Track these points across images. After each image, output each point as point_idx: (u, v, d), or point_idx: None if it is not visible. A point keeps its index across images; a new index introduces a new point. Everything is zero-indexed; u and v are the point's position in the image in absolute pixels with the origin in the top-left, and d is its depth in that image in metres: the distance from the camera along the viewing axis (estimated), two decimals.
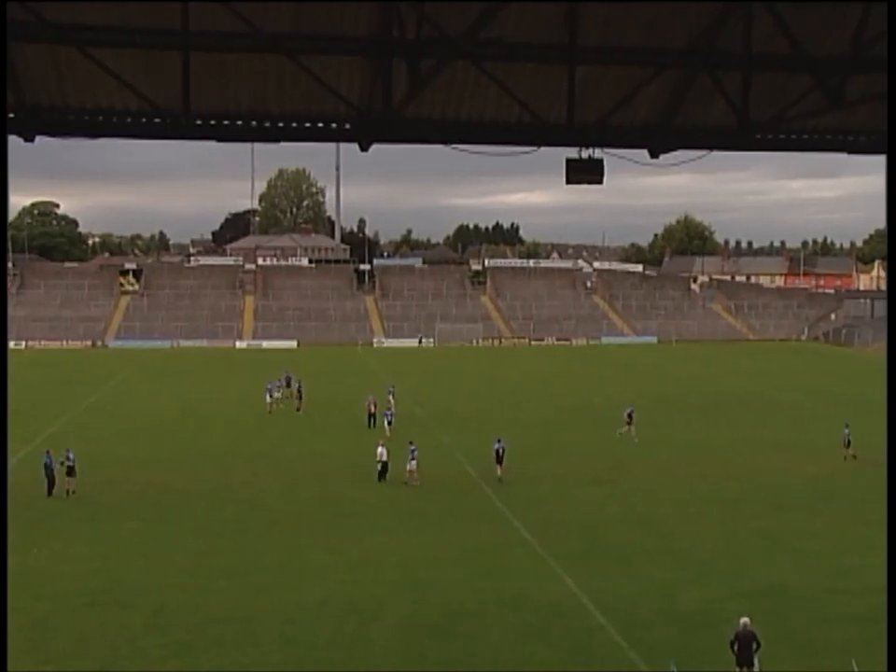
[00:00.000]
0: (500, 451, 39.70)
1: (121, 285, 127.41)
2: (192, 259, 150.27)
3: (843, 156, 17.01)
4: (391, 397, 56.41)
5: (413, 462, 39.02)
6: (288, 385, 61.73)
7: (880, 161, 15.15)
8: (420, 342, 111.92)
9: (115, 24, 13.06)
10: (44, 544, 30.93)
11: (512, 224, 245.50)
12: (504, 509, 35.45)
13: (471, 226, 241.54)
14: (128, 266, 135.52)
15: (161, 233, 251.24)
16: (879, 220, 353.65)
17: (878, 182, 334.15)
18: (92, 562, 29.29)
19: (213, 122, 14.53)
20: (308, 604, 25.77)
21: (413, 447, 39.54)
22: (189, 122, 13.92)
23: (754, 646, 20.55)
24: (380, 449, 39.94)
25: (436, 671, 21.77)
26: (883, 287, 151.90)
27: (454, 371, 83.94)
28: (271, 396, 59.58)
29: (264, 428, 53.35)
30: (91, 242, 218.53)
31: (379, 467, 39.64)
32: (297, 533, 32.38)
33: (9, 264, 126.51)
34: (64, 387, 71.46)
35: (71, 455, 37.30)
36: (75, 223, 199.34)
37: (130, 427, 53.32)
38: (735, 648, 20.63)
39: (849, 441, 43.43)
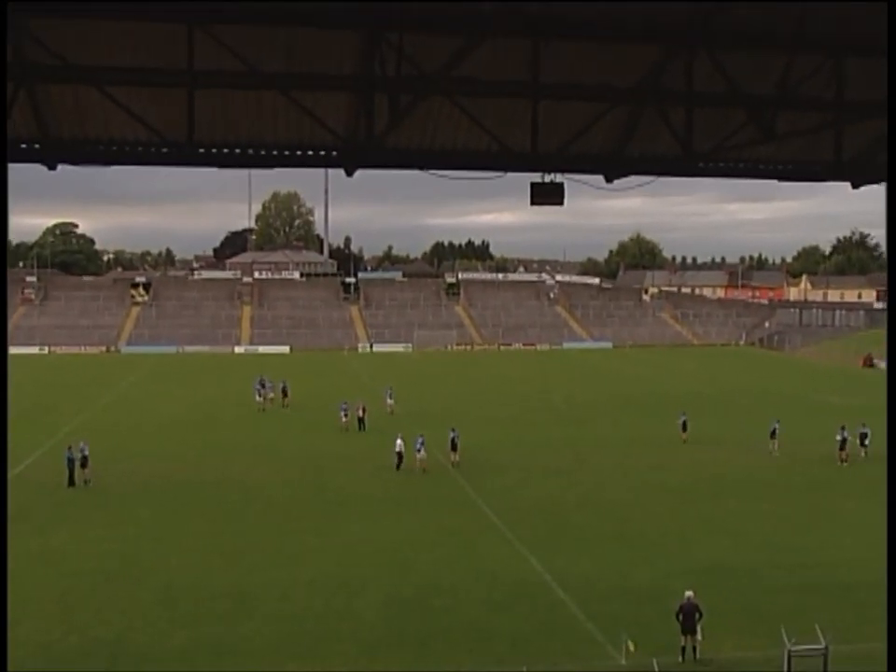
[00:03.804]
0: (454, 439, 40.27)
1: (132, 296, 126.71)
2: (196, 272, 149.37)
3: (774, 182, 17.13)
4: (389, 398, 56.34)
5: (423, 451, 39.18)
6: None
7: (807, 187, 15.34)
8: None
9: (128, 65, 13.06)
10: (65, 527, 30.85)
11: (483, 241, 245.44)
12: (476, 497, 35.45)
13: (446, 243, 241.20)
14: (138, 279, 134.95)
15: (168, 250, 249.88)
16: (806, 239, 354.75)
17: (805, 206, 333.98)
18: (108, 543, 29.16)
19: (214, 151, 14.49)
20: (300, 582, 25.70)
21: (420, 438, 39.73)
22: (193, 151, 13.89)
23: (697, 616, 20.67)
24: (398, 441, 39.89)
25: (415, 641, 21.79)
26: (810, 298, 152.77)
27: (430, 374, 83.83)
28: (259, 395, 59.42)
29: (261, 425, 53.18)
30: (105, 258, 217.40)
31: (396, 457, 39.55)
32: (291, 518, 32.30)
33: (34, 278, 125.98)
34: (83, 388, 70.99)
35: (85, 448, 37.10)
36: (92, 241, 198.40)
37: (140, 424, 53.03)
38: (681, 618, 20.74)
39: (775, 434, 43.71)
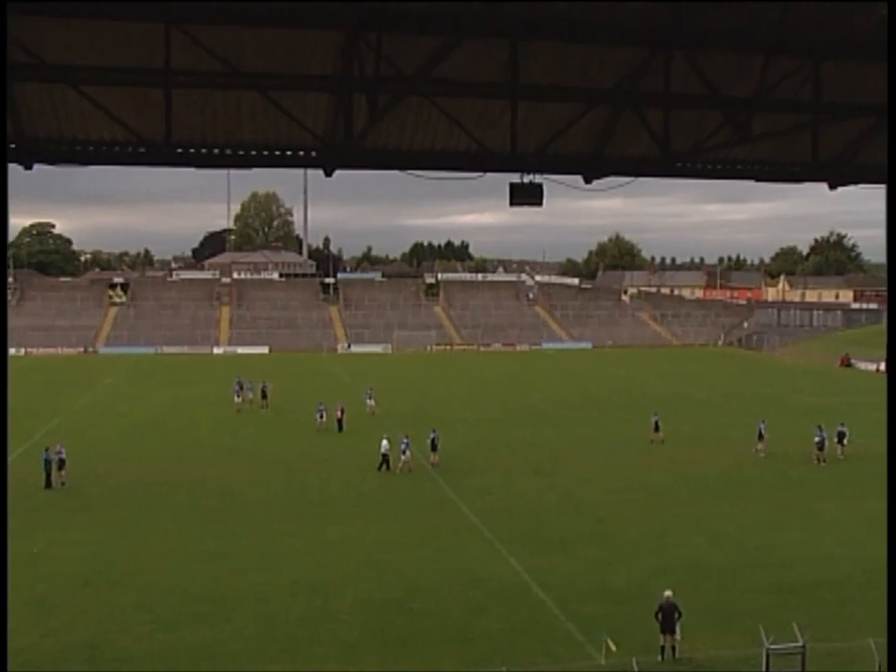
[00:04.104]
0: (435, 440, 40.33)
1: (110, 297, 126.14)
2: (174, 273, 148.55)
3: (751, 183, 17.23)
4: (369, 399, 56.28)
5: (408, 453, 39.26)
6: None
7: (783, 188, 15.48)
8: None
9: (104, 64, 13.00)
10: (42, 530, 30.61)
11: (463, 242, 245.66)
12: (455, 497, 35.45)
13: (426, 243, 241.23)
14: (116, 280, 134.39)
15: (147, 251, 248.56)
16: (783, 240, 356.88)
17: (781, 207, 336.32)
18: (86, 546, 28.99)
19: (192, 151, 14.45)
20: (279, 584, 25.62)
21: (405, 439, 39.80)
22: (171, 151, 13.84)
23: (676, 615, 20.74)
24: (384, 442, 39.85)
25: (395, 643, 21.77)
26: (787, 298, 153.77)
27: (410, 374, 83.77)
28: (238, 395, 59.24)
29: (240, 426, 52.99)
30: (83, 258, 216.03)
31: (381, 459, 39.51)
32: (270, 520, 32.19)
33: (10, 279, 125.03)
34: (60, 389, 70.54)
35: (62, 450, 36.91)
36: (69, 242, 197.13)
37: (119, 425, 52.76)
38: (660, 617, 20.80)
39: (762, 435, 43.64)
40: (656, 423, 47.29)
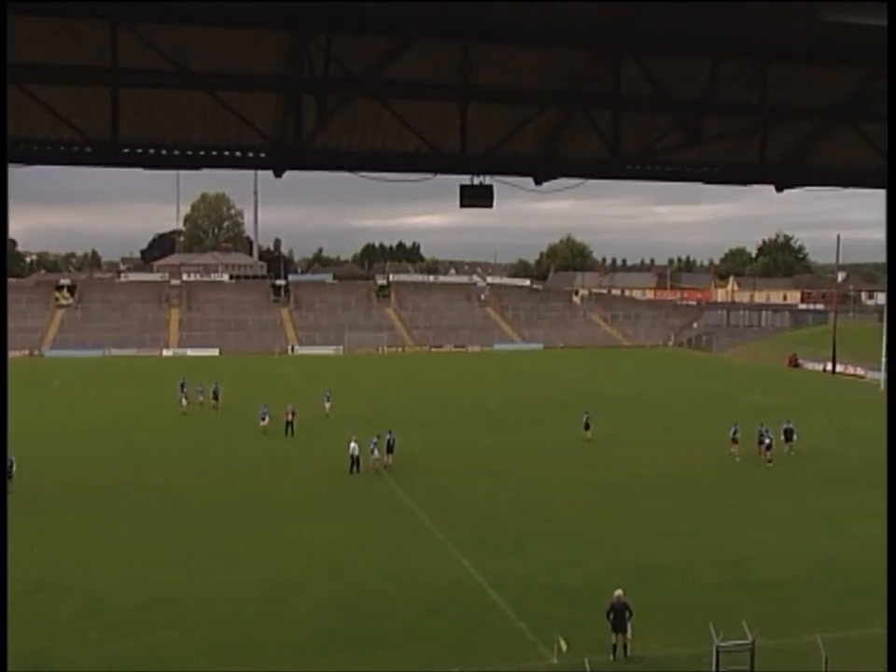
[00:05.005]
0: (391, 441, 40.40)
1: (57, 299, 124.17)
2: (122, 275, 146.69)
3: (701, 185, 17.43)
4: (327, 401, 56.07)
5: (377, 452, 39.46)
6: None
7: (732, 191, 15.68)
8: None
9: (49, 62, 12.81)
10: None
11: (414, 243, 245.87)
12: (407, 499, 35.45)
13: (377, 245, 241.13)
14: (63, 282, 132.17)
15: (94, 252, 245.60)
16: (732, 241, 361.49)
17: (730, 209, 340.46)
18: (31, 553, 28.50)
19: (139, 151, 14.30)
20: (230, 587, 25.46)
21: (374, 439, 39.96)
22: (118, 151, 13.68)
23: (627, 614, 20.91)
24: (352, 444, 39.70)
25: (347, 646, 21.72)
26: (737, 299, 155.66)
27: (362, 376, 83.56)
28: (187, 399, 58.82)
29: (190, 429, 52.55)
30: (28, 260, 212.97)
31: (350, 460, 39.37)
32: (221, 524, 31.95)
33: None
34: None
35: (12, 458, 36.25)
36: (13, 242, 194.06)
37: (66, 429, 52.09)
38: (611, 617, 20.97)
39: (735, 439, 42.72)
40: (587, 422, 47.66)
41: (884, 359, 72.58)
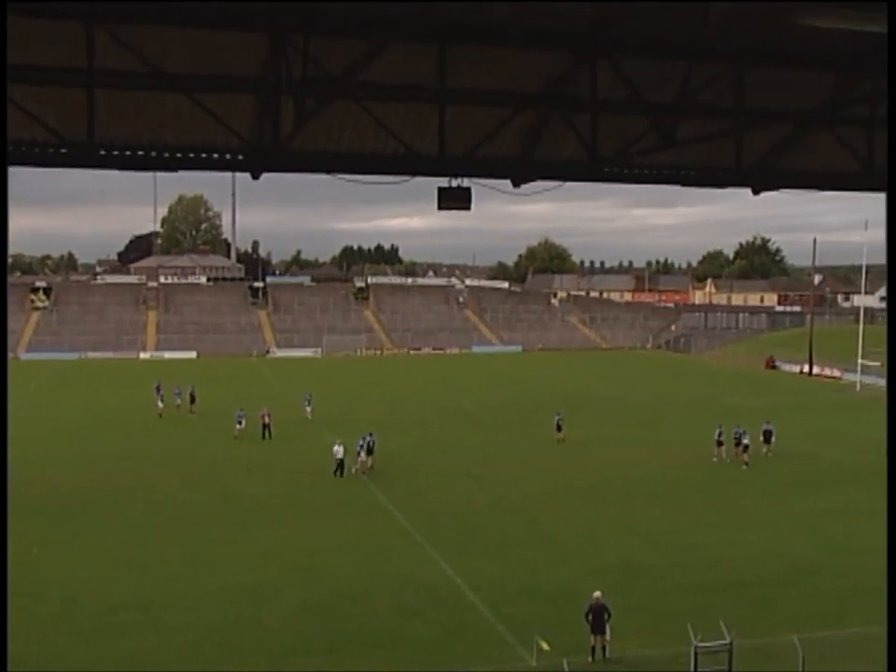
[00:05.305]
0: (371, 444, 40.48)
1: (32, 301, 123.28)
2: (99, 277, 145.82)
3: (678, 188, 17.51)
4: (308, 404, 55.94)
5: (363, 454, 39.58)
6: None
7: (709, 193, 15.72)
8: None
9: (24, 62, 12.72)
10: None
11: (392, 245, 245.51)
12: (386, 501, 35.41)
13: (356, 247, 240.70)
14: (38, 284, 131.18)
15: (70, 254, 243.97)
16: (710, 244, 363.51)
17: (707, 212, 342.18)
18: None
19: (115, 153, 14.20)
20: (208, 591, 25.35)
21: (361, 441, 40.08)
22: (93, 153, 13.58)
23: (606, 616, 20.96)
24: (336, 447, 39.60)
25: (325, 649, 21.67)
26: (714, 301, 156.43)
27: (341, 379, 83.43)
28: (162, 401, 58.61)
29: (166, 432, 52.28)
30: None
31: (335, 463, 39.27)
32: (199, 527, 31.81)
33: None
34: None
35: None
36: None
37: (42, 432, 51.64)
38: (590, 618, 21.02)
39: (720, 441, 42.82)
40: (558, 423, 47.81)
41: (860, 361, 73.20)
